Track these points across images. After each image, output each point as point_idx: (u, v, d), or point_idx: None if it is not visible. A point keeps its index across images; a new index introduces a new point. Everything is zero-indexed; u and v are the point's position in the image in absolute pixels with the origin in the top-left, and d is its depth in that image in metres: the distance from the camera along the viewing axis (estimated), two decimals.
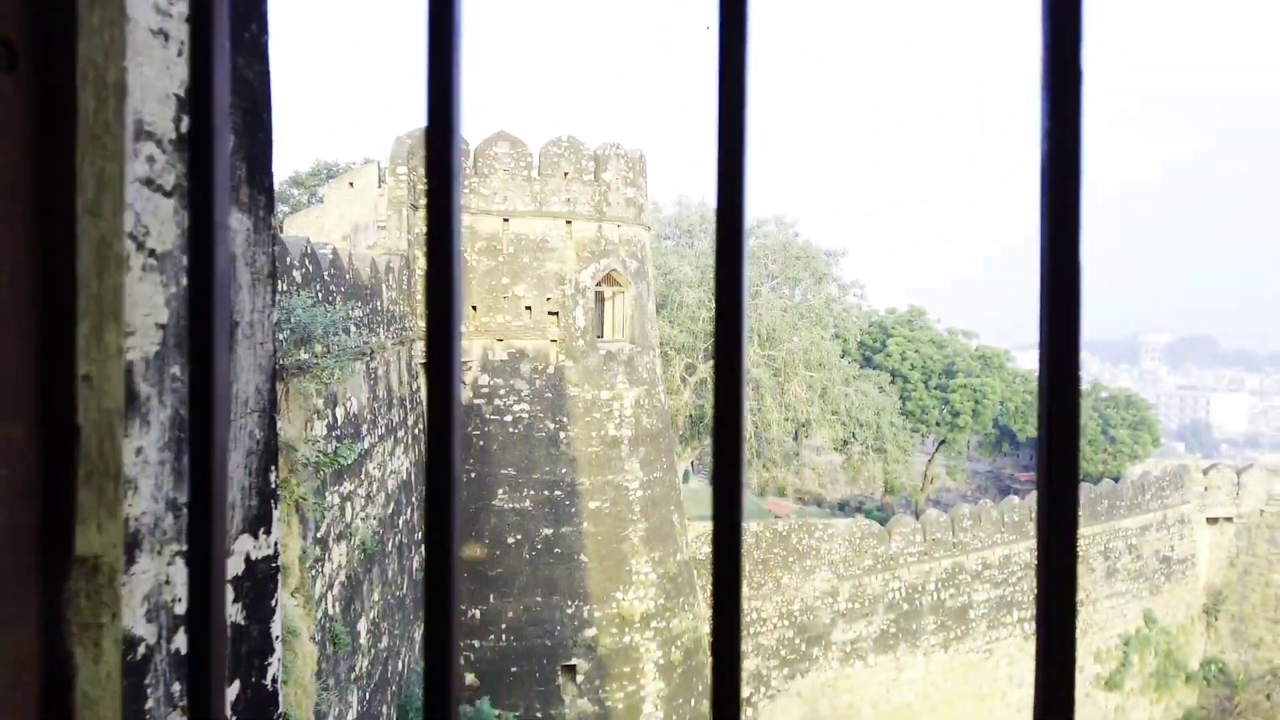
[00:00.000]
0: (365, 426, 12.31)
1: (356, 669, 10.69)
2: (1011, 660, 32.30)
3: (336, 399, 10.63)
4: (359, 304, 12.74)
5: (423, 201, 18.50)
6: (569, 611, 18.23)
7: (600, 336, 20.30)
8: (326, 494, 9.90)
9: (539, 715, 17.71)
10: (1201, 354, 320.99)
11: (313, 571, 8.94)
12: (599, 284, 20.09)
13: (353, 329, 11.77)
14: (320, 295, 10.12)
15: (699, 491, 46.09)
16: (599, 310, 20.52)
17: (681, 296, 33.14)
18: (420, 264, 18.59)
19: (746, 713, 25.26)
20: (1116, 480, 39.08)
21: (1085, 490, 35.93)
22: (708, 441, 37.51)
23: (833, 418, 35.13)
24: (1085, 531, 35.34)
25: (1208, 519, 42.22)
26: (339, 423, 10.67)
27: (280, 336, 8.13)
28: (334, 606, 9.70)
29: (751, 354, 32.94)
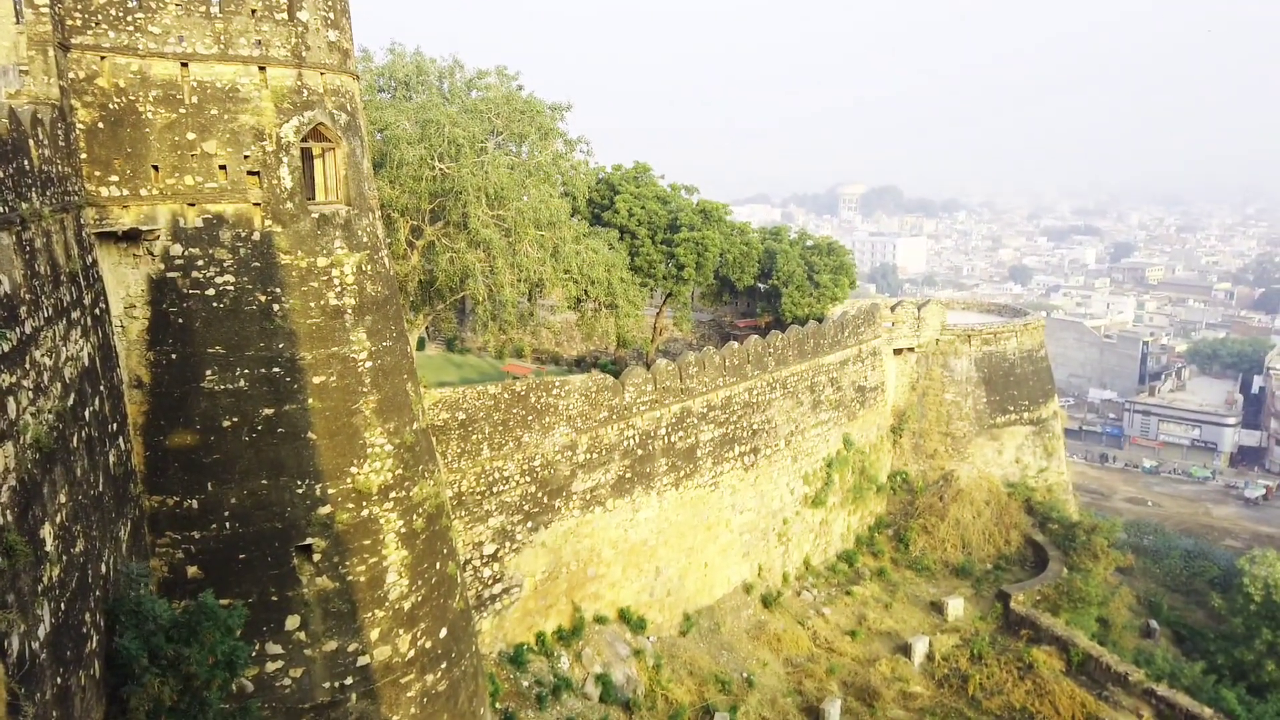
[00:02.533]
0: (24, 309, 10.48)
1: (45, 579, 9.44)
2: (734, 490, 35.40)
3: None
4: None
5: (74, 40, 15.62)
6: (299, 491, 17.31)
7: (311, 199, 18.62)
8: None
9: (274, 599, 16.95)
10: (889, 203, 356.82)
11: None
12: (305, 140, 18.24)
13: None
14: None
15: (434, 359, 45.24)
16: (308, 169, 18.72)
17: (401, 154, 31.17)
18: (80, 115, 15.84)
19: (493, 567, 25.87)
20: (820, 320, 42.94)
21: (794, 331, 39.20)
22: (440, 307, 36.51)
23: (565, 276, 35.26)
24: (795, 369, 38.75)
25: (894, 350, 47.85)
26: None
27: None
28: (4, 515, 8.37)
29: (480, 214, 31.94)
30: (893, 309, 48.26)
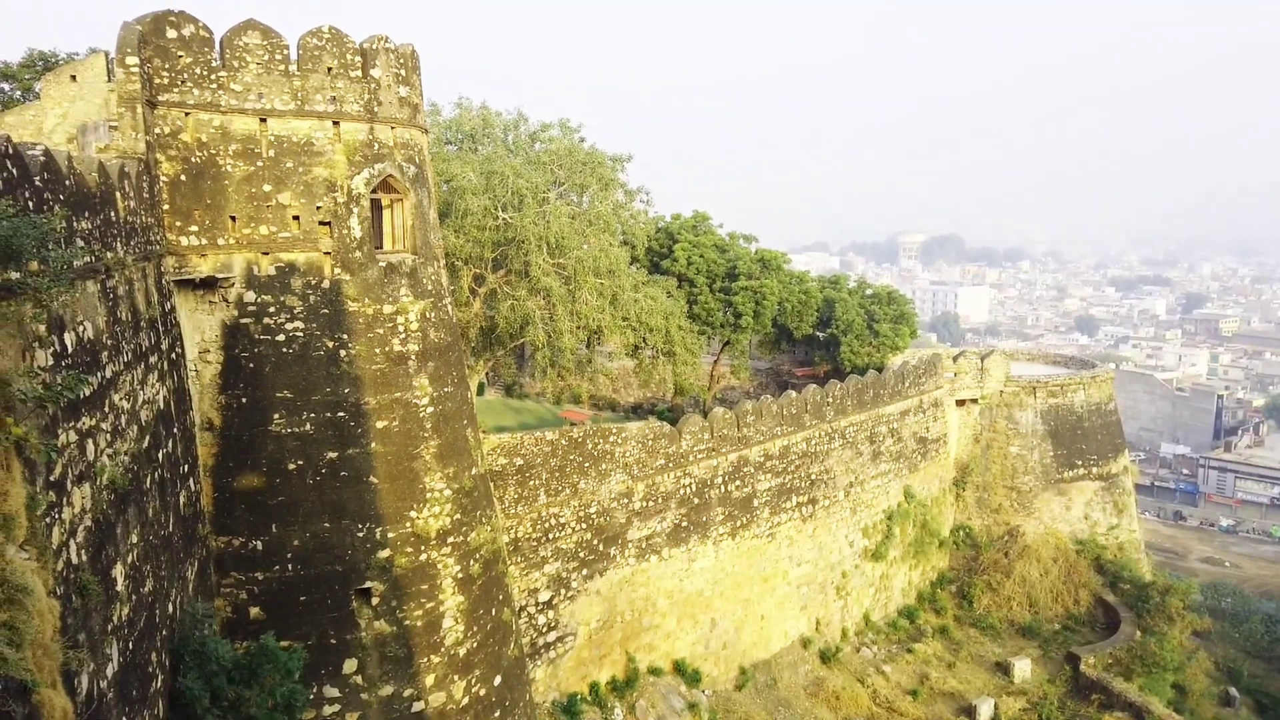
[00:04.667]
0: (105, 354, 10.90)
1: (115, 619, 9.68)
2: (791, 541, 34.84)
3: (64, 323, 9.27)
4: (86, 215, 11.13)
5: (160, 97, 16.40)
6: (360, 535, 17.53)
7: (379, 247, 19.14)
8: (60, 432, 8.70)
9: (333, 641, 17.10)
10: (951, 251, 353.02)
11: (48, 519, 7.86)
12: (374, 191, 18.82)
13: (79, 243, 10.27)
14: (31, 204, 8.66)
15: (493, 404, 45.70)
16: (376, 219, 19.29)
17: (466, 204, 31.92)
18: (163, 169, 16.58)
19: (548, 615, 25.75)
20: (880, 370, 42.40)
21: (853, 380, 38.76)
22: (500, 354, 36.99)
23: (623, 324, 35.50)
24: (854, 419, 38.24)
25: (957, 401, 46.94)
26: (70, 350, 9.33)
27: None
28: (79, 555, 8.64)
29: (541, 263, 32.44)
30: (955, 359, 47.46)
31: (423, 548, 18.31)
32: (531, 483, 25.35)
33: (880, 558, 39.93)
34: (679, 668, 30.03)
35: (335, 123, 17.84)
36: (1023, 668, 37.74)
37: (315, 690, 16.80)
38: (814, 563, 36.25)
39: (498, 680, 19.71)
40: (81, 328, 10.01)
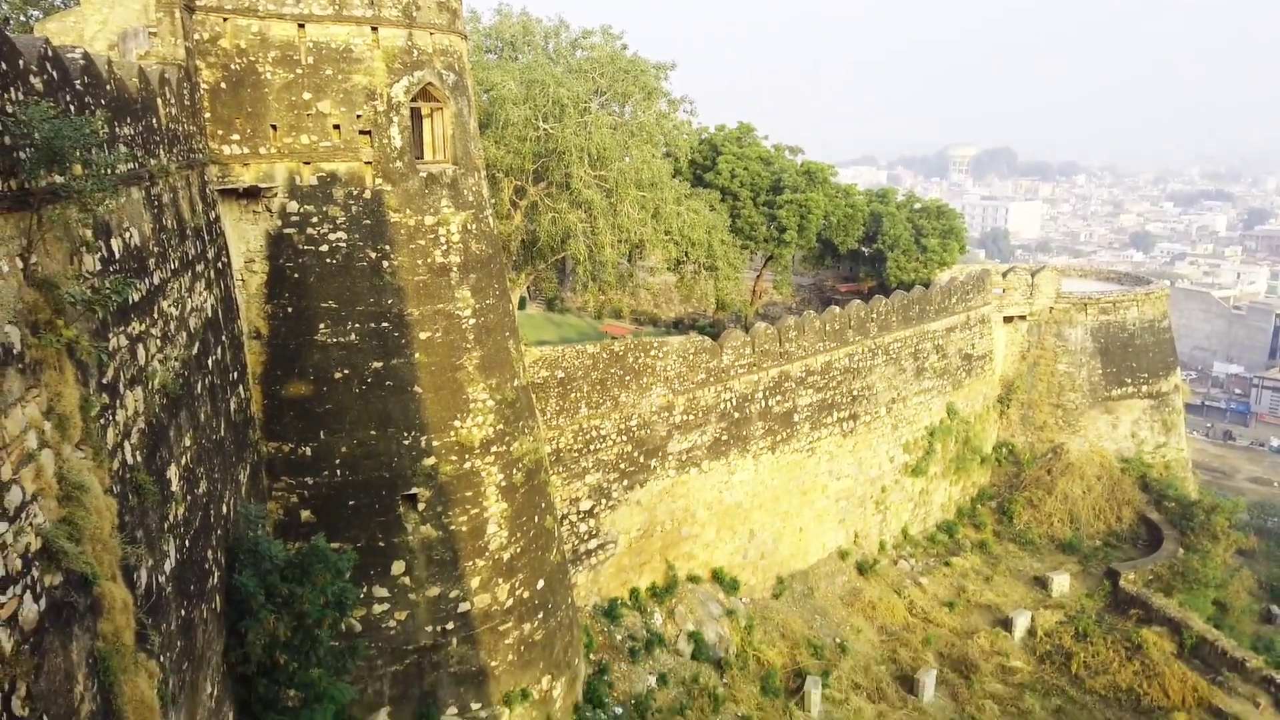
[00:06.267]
0: (153, 260, 11.03)
1: (171, 517, 10.02)
2: (831, 456, 34.93)
3: (110, 229, 9.35)
4: (128, 121, 11.11)
5: (198, 2, 16.19)
6: (405, 443, 17.89)
7: (420, 158, 19.00)
8: (111, 336, 8.86)
9: (381, 545, 17.65)
10: (1002, 165, 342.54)
11: (102, 421, 8.07)
12: (414, 100, 18.59)
13: (122, 149, 10.28)
14: (72, 108, 8.64)
15: (535, 318, 45.90)
16: (416, 129, 19.10)
17: (506, 114, 31.41)
18: (204, 76, 16.48)
19: (589, 523, 26.28)
20: (927, 286, 41.65)
21: (899, 296, 38.18)
22: (542, 267, 36.91)
23: (665, 238, 35.11)
24: (898, 335, 37.81)
25: (1004, 318, 46.10)
26: (117, 257, 9.43)
27: (20, 156, 6.87)
28: (134, 455, 8.89)
29: (582, 175, 32.01)
30: (1004, 275, 46.43)
31: (467, 456, 18.65)
32: (573, 395, 25.55)
33: (920, 473, 39.94)
34: (717, 576, 30.61)
35: (373, 28, 17.53)
36: (1061, 582, 37.87)
37: (365, 590, 17.43)
38: (853, 477, 36.38)
39: (540, 584, 20.26)
40: (128, 234, 10.10)
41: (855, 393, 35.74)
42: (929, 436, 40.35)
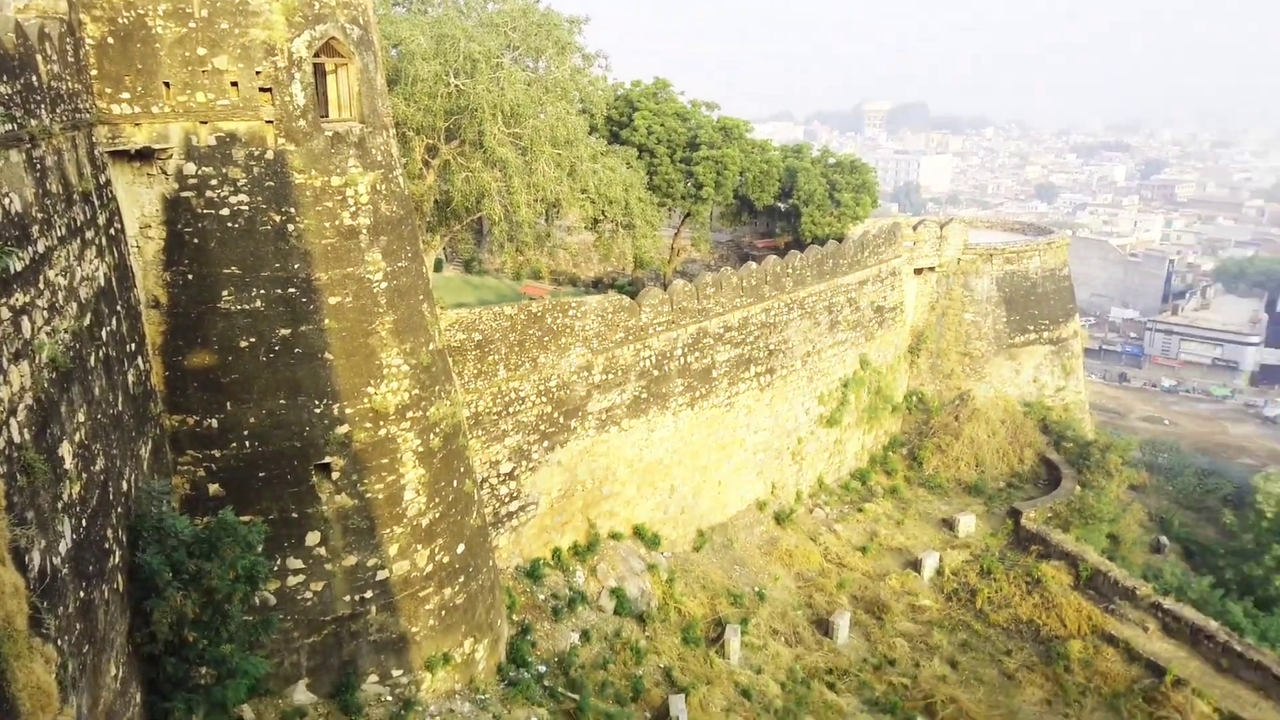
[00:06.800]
0: (37, 228, 10.51)
1: (65, 496, 9.70)
2: (749, 410, 35.60)
3: None
4: (4, 79, 10.50)
5: None
6: (317, 411, 17.57)
7: (324, 116, 18.40)
8: None
9: (295, 515, 17.40)
10: (915, 120, 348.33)
11: None
12: (317, 55, 17.93)
13: None
14: None
15: (452, 280, 45.27)
16: (320, 86, 18.46)
17: (416, 70, 30.53)
18: (88, 30, 15.60)
19: (510, 485, 26.33)
20: (841, 240, 42.41)
21: (813, 251, 38.81)
22: (457, 228, 36.30)
23: (582, 196, 34.83)
24: (813, 289, 38.52)
25: (915, 270, 47.34)
26: None
27: None
28: (21, 433, 8.56)
29: (496, 132, 31.45)
30: (914, 228, 47.55)
31: (382, 423, 18.44)
32: (491, 358, 25.40)
33: (835, 424, 41.04)
34: (639, 532, 31.08)
35: None
36: (967, 523, 39.60)
37: (278, 562, 17.19)
38: (771, 430, 37.18)
39: (461, 548, 20.28)
40: (7, 200, 9.62)
41: (772, 347, 36.38)
42: (843, 388, 41.41)
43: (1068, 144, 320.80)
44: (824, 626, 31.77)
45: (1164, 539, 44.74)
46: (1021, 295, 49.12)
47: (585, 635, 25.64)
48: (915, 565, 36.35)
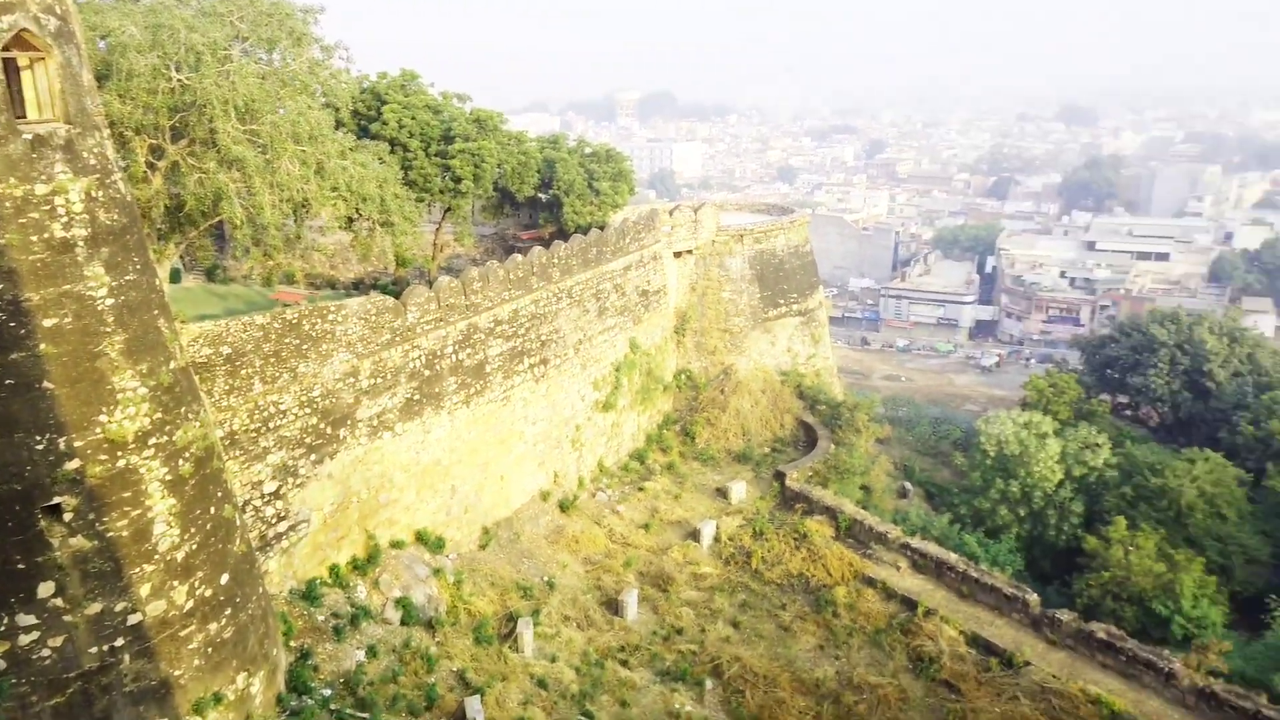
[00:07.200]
0: None
1: None
2: (526, 403, 35.68)
3: None
4: None
5: None
6: (39, 448, 15.69)
7: (22, 117, 16.40)
8: None
9: (21, 566, 15.48)
10: (665, 108, 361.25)
11: None
12: (8, 49, 15.93)
13: None
14: None
15: (193, 291, 41.81)
16: (14, 84, 16.42)
17: (130, 64, 27.75)
18: None
19: (276, 505, 24.86)
20: (603, 228, 43.29)
21: (577, 240, 39.38)
22: (193, 234, 33.50)
23: (333, 194, 33.23)
24: (580, 278, 39.10)
25: (674, 253, 49.25)
26: None
27: None
28: None
29: (230, 130, 29.27)
30: (671, 213, 49.41)
31: (120, 453, 16.79)
32: (244, 371, 23.78)
33: (611, 407, 42.00)
34: (421, 537, 30.37)
35: None
36: (739, 490, 41.93)
37: (5, 621, 15.27)
38: (549, 420, 37.46)
39: (225, 579, 18.91)
40: None
41: (544, 338, 36.60)
42: (616, 372, 42.43)
43: (803, 128, 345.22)
44: (614, 606, 32.56)
45: (908, 484, 49.62)
46: (771, 272, 52.44)
47: (372, 651, 24.73)
48: (695, 535, 38.04)
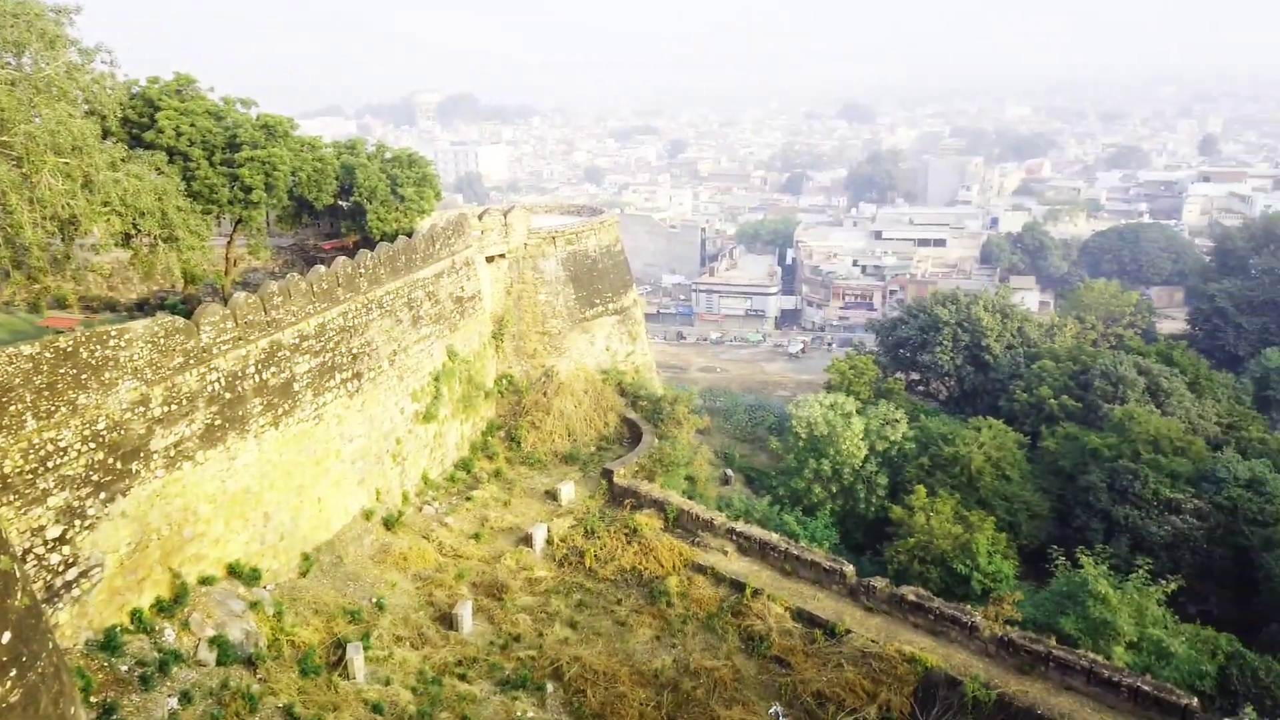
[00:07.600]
0: None
1: None
2: (340, 419, 34.19)
3: None
4: None
5: None
6: None
7: None
8: None
9: None
10: (466, 111, 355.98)
11: None
12: None
13: None
14: None
15: None
16: None
17: None
18: None
19: (63, 551, 22.56)
20: (410, 235, 42.11)
21: (384, 248, 38.12)
22: None
23: (105, 209, 30.51)
24: (390, 287, 37.89)
25: (487, 258, 48.67)
26: None
27: None
28: None
29: None
30: (480, 217, 48.78)
31: None
32: (13, 408, 21.39)
33: (432, 418, 40.95)
34: (234, 570, 28.44)
35: None
36: (568, 491, 42.00)
37: None
38: (367, 436, 36.04)
39: (6, 637, 16.93)
40: None
41: (355, 351, 35.16)
42: (435, 382, 41.41)
43: (606, 129, 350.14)
44: (448, 621, 31.80)
45: (729, 471, 51.44)
46: (585, 272, 52.85)
47: (186, 696, 22.91)
48: (527, 540, 37.76)
